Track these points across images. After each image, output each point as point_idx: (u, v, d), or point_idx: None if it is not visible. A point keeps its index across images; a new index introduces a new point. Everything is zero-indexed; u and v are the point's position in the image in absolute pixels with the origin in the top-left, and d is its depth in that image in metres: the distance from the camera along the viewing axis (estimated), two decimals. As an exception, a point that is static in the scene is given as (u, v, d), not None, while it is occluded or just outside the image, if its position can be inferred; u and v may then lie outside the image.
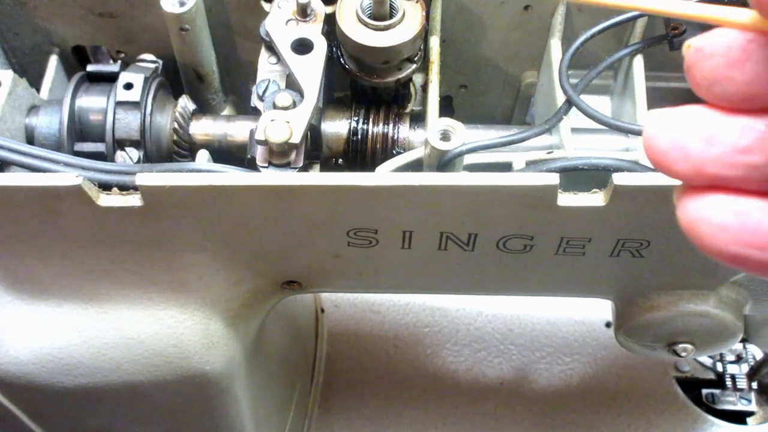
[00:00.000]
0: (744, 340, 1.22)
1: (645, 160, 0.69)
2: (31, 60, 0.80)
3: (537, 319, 1.24)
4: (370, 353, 1.23)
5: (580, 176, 0.63)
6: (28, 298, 0.72)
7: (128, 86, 0.69)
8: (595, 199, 0.59)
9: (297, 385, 1.14)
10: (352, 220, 0.63)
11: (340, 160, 0.70)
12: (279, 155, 0.63)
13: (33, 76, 0.77)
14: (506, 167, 0.67)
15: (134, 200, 0.61)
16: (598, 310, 1.23)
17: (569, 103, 0.66)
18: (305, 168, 0.67)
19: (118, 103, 0.69)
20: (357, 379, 1.22)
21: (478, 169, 0.67)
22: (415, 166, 0.66)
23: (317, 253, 0.68)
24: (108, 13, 0.74)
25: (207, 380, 0.76)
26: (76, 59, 0.80)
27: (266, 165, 0.63)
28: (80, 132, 0.70)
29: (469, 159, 0.66)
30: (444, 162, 0.62)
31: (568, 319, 1.23)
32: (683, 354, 0.77)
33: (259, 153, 0.63)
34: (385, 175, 0.62)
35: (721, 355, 1.22)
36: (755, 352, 1.22)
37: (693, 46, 0.32)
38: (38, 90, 0.75)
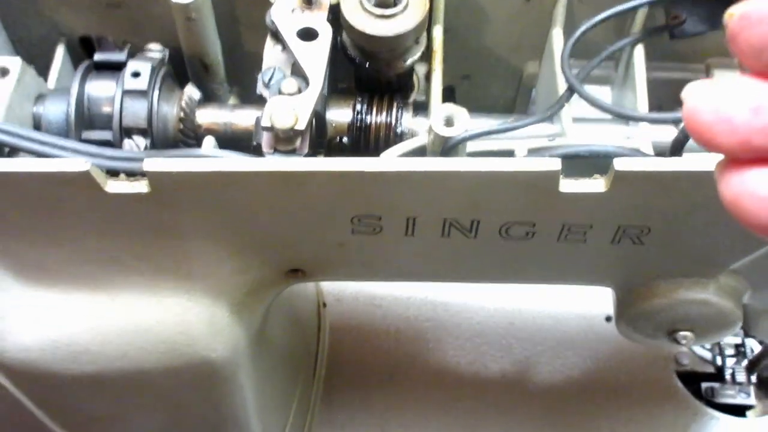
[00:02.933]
0: (744, 333, 1.23)
1: (646, 148, 0.70)
2: (38, 51, 0.80)
3: (538, 313, 1.25)
4: (372, 347, 1.23)
5: (582, 164, 0.64)
6: (35, 284, 0.73)
7: (136, 75, 0.70)
8: (597, 185, 0.60)
9: (300, 377, 1.14)
10: (356, 206, 0.64)
11: (345, 138, 0.70)
12: (284, 141, 0.63)
13: (40, 66, 0.77)
14: (509, 155, 0.68)
15: (141, 186, 0.62)
16: (599, 305, 1.24)
17: (571, 90, 0.67)
18: (311, 156, 0.67)
19: (126, 92, 0.70)
20: (359, 372, 1.22)
21: (481, 156, 0.67)
22: (419, 153, 0.67)
23: (322, 241, 0.69)
24: (115, 3, 0.75)
25: (212, 367, 0.77)
26: (83, 50, 0.81)
27: (272, 151, 0.64)
28: (88, 120, 0.71)
29: (471, 146, 0.67)
30: (447, 148, 0.63)
31: (570, 313, 1.24)
32: (683, 341, 0.78)
33: (265, 139, 0.64)
34: (389, 160, 0.63)
35: (721, 348, 1.23)
36: (754, 345, 1.23)
37: (737, 14, 0.31)
38: (45, 80, 0.76)
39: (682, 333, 0.77)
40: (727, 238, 0.66)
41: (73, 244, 0.69)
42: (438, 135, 0.62)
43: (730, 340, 1.25)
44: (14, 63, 0.69)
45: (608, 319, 1.23)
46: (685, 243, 0.67)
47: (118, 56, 0.72)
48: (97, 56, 0.72)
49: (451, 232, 0.66)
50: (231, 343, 0.78)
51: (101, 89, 0.71)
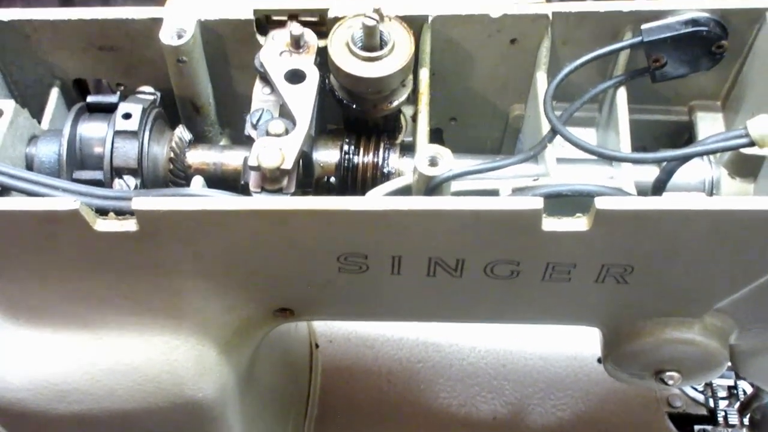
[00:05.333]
0: (736, 375, 1.23)
1: (628, 187, 0.71)
2: (33, 92, 0.82)
3: (530, 354, 1.25)
4: (364, 388, 1.23)
5: (566, 204, 0.65)
6: (24, 323, 0.73)
7: (127, 116, 0.71)
8: (579, 223, 0.61)
9: (290, 418, 1.14)
10: (342, 245, 0.64)
11: (332, 178, 0.71)
12: (271, 181, 0.64)
13: (34, 108, 0.79)
14: (493, 194, 0.68)
15: (130, 225, 0.63)
16: (590, 346, 1.24)
17: (554, 131, 0.68)
18: (298, 195, 0.68)
19: (117, 132, 0.71)
20: (351, 413, 1.22)
21: (466, 195, 0.68)
22: (405, 192, 0.68)
23: (309, 279, 0.70)
24: (109, 46, 0.77)
25: (200, 407, 0.77)
26: (77, 92, 0.82)
27: (259, 190, 0.65)
28: (79, 160, 0.72)
29: (456, 186, 0.68)
30: (431, 187, 0.64)
31: (561, 355, 1.24)
32: (670, 382, 0.78)
33: (252, 179, 0.65)
34: (373, 199, 0.64)
35: (713, 390, 1.23)
36: (746, 387, 1.22)
37: None
38: (39, 121, 0.77)
39: (669, 373, 0.77)
40: (711, 277, 0.67)
41: (63, 282, 0.69)
42: (422, 174, 0.63)
43: (722, 381, 1.24)
44: (8, 105, 0.71)
45: (600, 360, 1.23)
46: (668, 282, 0.67)
47: (111, 98, 0.73)
48: (90, 98, 0.73)
49: (436, 271, 0.67)
50: (219, 382, 0.78)
51: (93, 130, 0.72)
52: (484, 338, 1.26)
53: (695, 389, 1.24)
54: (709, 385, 1.23)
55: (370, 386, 1.24)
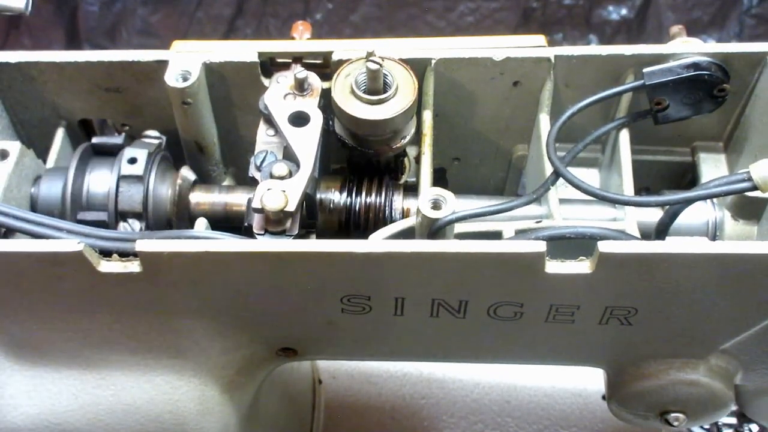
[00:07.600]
0: (743, 416, 1.22)
1: (632, 229, 0.71)
2: (38, 132, 0.82)
3: (534, 391, 1.24)
4: (368, 424, 1.22)
5: (569, 246, 0.65)
6: (27, 363, 0.73)
7: (132, 161, 0.72)
8: (582, 266, 0.61)
9: (293, 456, 1.13)
10: (345, 286, 0.64)
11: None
12: (275, 223, 0.64)
13: (40, 147, 0.79)
14: (496, 236, 0.68)
15: (134, 266, 0.63)
16: (595, 383, 1.23)
17: (556, 174, 0.68)
18: (301, 237, 0.69)
19: (122, 177, 0.71)
20: (354, 450, 1.21)
21: (469, 237, 0.68)
22: (408, 234, 0.68)
23: (312, 320, 0.70)
24: (114, 88, 0.77)
25: (202, 447, 0.77)
26: (83, 132, 0.83)
27: (262, 232, 0.65)
28: (84, 201, 0.72)
29: (460, 228, 0.68)
30: (435, 230, 0.64)
31: (565, 392, 1.23)
32: (675, 423, 0.77)
33: (256, 221, 0.65)
34: (376, 242, 0.64)
35: (719, 429, 1.22)
36: (752, 425, 1.22)
37: None
38: (44, 161, 0.78)
39: (674, 414, 0.77)
40: (715, 319, 0.66)
41: (66, 323, 0.70)
42: (426, 217, 0.63)
43: (729, 420, 1.23)
44: (13, 146, 0.71)
45: (605, 397, 1.22)
46: (672, 324, 0.67)
47: (116, 140, 0.74)
48: (96, 140, 0.74)
49: (439, 312, 0.67)
50: (221, 422, 0.77)
51: (98, 173, 0.73)
52: (488, 374, 1.25)
53: (701, 427, 1.23)
54: (715, 423, 1.22)
55: (374, 423, 1.23)
